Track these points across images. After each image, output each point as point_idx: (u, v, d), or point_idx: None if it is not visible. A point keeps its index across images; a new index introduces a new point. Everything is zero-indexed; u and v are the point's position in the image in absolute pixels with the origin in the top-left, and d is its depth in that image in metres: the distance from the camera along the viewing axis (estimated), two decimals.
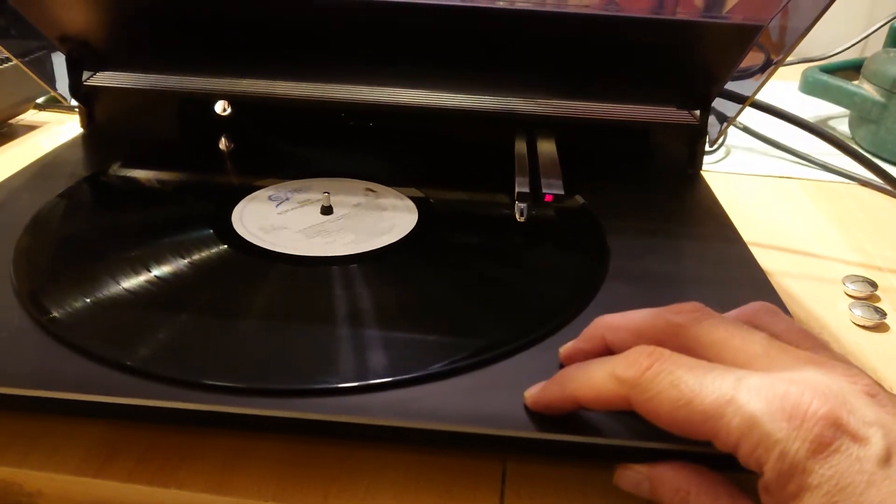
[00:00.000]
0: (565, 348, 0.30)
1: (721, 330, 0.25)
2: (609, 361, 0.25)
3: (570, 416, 0.27)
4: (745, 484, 0.24)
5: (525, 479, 0.28)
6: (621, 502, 0.27)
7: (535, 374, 0.29)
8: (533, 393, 0.27)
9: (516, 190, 0.42)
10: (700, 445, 0.25)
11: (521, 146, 0.48)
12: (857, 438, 0.21)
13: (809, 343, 0.26)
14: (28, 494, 0.28)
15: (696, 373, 0.23)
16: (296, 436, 0.29)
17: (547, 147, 0.47)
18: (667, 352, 0.24)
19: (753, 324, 0.26)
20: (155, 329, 0.31)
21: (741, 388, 0.22)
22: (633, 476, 0.26)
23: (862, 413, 0.21)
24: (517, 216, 0.41)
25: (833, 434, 0.21)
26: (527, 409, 0.27)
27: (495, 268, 0.39)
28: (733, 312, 0.28)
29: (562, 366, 0.29)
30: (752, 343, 0.24)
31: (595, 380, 0.25)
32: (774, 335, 0.25)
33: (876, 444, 0.20)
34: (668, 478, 0.25)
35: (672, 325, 0.26)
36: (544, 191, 0.41)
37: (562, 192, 0.41)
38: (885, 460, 0.20)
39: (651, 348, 0.24)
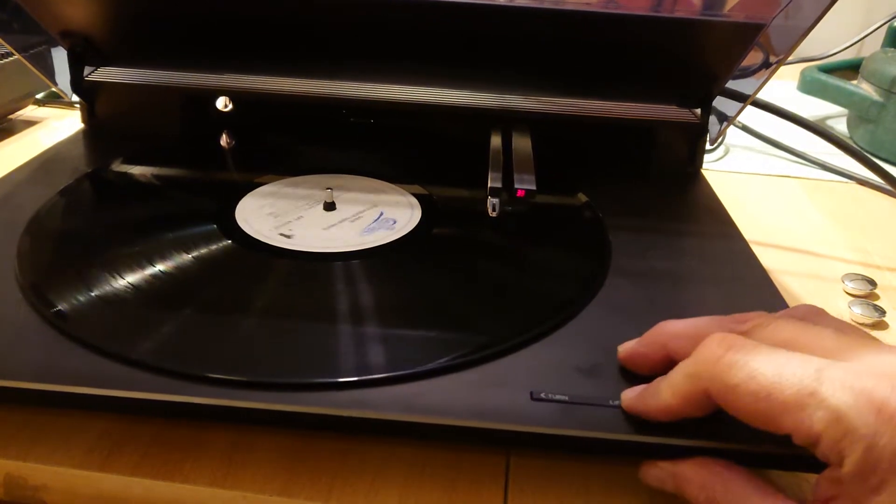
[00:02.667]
0: (625, 349, 0.29)
1: (789, 330, 0.25)
2: (685, 361, 0.25)
3: (572, 412, 0.27)
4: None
5: (528, 474, 0.28)
6: (623, 496, 0.28)
7: (538, 370, 0.29)
8: (629, 398, 0.27)
9: (489, 185, 0.42)
10: (715, 442, 0.26)
11: (496, 141, 0.48)
12: None
13: (868, 336, 0.25)
14: (33, 488, 0.29)
15: (774, 363, 0.23)
16: (300, 430, 0.30)
17: (522, 142, 0.47)
18: (739, 338, 0.24)
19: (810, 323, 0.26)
20: (159, 323, 0.31)
21: (824, 380, 0.22)
22: (658, 473, 0.26)
23: None
24: (489, 211, 0.41)
25: None
26: (530, 403, 0.27)
27: (498, 264, 0.39)
28: (783, 312, 0.28)
29: (611, 365, 0.29)
30: (823, 338, 0.24)
31: (677, 384, 0.25)
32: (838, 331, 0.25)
33: None
34: (695, 474, 0.25)
35: (738, 333, 0.26)
36: (517, 186, 0.41)
37: (534, 188, 0.41)
38: None
39: (721, 335, 0.24)
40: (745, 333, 0.26)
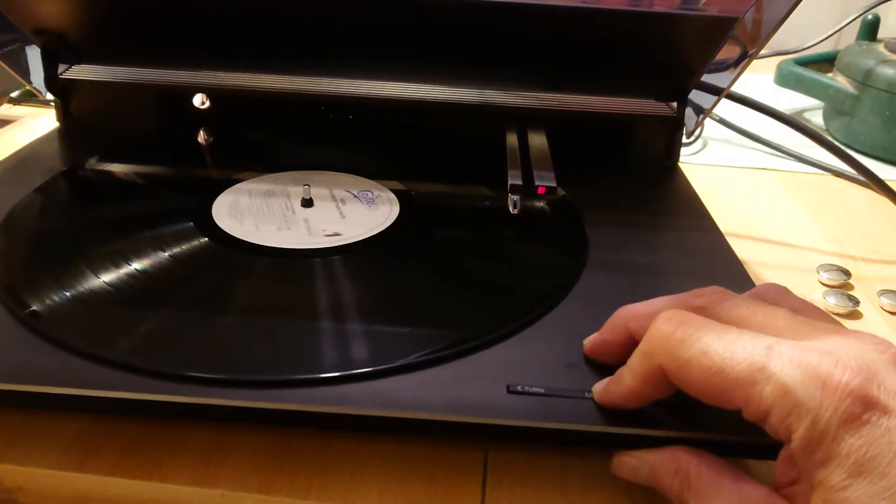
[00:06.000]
0: (589, 341, 0.30)
1: (743, 308, 0.25)
2: (640, 344, 0.26)
3: (549, 404, 0.27)
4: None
5: (506, 467, 0.29)
6: (601, 488, 0.28)
7: (516, 364, 0.29)
8: (599, 390, 0.28)
9: (509, 182, 0.42)
10: (689, 432, 0.26)
11: (512, 139, 0.48)
12: (886, 410, 0.21)
13: (826, 319, 0.26)
14: (8, 490, 0.28)
15: (724, 339, 0.23)
16: (279, 427, 0.30)
17: (538, 140, 0.48)
18: (688, 314, 0.24)
19: (769, 303, 0.26)
20: (136, 322, 0.31)
21: (773, 356, 0.22)
22: (631, 462, 0.27)
23: (891, 385, 0.21)
24: (510, 208, 0.42)
25: (864, 407, 0.21)
26: (506, 397, 0.28)
27: (475, 259, 0.39)
28: (748, 293, 0.28)
29: (586, 358, 0.30)
30: (776, 318, 0.25)
31: (634, 367, 0.26)
32: (793, 311, 0.26)
33: None
34: (668, 461, 0.25)
35: (694, 308, 0.26)
36: (537, 183, 0.41)
37: (554, 185, 0.41)
38: None
39: (670, 312, 0.25)
40: (700, 309, 0.26)
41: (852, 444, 0.21)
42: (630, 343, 0.28)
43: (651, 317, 0.26)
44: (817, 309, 0.27)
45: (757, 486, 0.24)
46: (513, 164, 0.44)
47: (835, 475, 0.21)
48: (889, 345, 0.23)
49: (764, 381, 0.22)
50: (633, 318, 0.28)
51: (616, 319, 0.29)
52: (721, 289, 0.27)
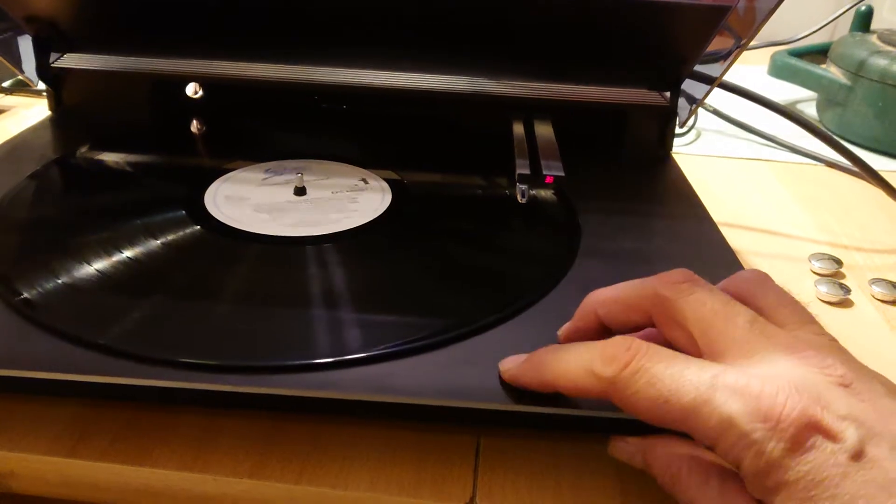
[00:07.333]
0: (563, 330, 0.30)
1: (706, 308, 0.25)
2: (587, 352, 0.25)
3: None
4: None
5: (499, 453, 0.29)
6: (592, 473, 0.28)
7: (508, 350, 0.29)
8: (509, 368, 0.28)
9: (517, 172, 0.42)
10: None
11: (518, 129, 0.48)
12: (830, 435, 0.21)
13: (796, 317, 0.25)
14: (0, 475, 0.28)
15: (672, 370, 0.23)
16: (270, 413, 0.30)
17: (545, 130, 0.48)
18: (644, 345, 0.24)
19: (743, 296, 0.26)
20: (128, 308, 0.31)
21: (718, 387, 0.22)
22: (627, 448, 0.27)
23: (835, 408, 0.21)
24: (518, 197, 0.42)
25: (808, 433, 0.21)
26: (501, 382, 0.28)
27: (468, 246, 0.39)
28: (725, 282, 0.28)
29: None
30: (734, 327, 0.24)
31: (572, 372, 0.25)
32: (762, 309, 0.25)
33: (849, 438, 0.21)
34: (661, 455, 0.26)
35: (660, 297, 0.26)
36: (545, 172, 0.41)
37: (562, 174, 0.41)
38: (858, 454, 0.21)
39: (629, 342, 0.24)
40: (665, 300, 0.26)
41: (799, 470, 0.21)
42: (600, 329, 0.28)
43: (618, 301, 0.27)
44: (791, 304, 0.26)
45: (741, 493, 0.23)
46: (520, 153, 0.44)
47: (788, 502, 0.21)
48: (837, 366, 0.23)
49: (708, 413, 0.22)
50: (601, 304, 0.28)
51: (585, 306, 0.29)
52: (689, 275, 0.26)
